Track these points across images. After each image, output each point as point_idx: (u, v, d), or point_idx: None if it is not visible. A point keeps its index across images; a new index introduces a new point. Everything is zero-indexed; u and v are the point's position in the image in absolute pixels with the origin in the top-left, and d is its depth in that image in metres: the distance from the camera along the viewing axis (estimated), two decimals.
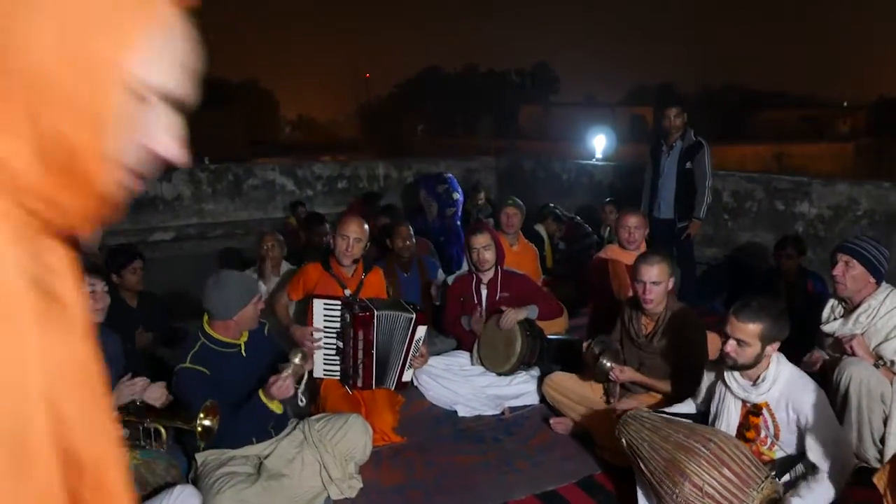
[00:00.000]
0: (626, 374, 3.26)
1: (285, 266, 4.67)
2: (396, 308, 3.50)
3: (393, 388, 3.60)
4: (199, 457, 2.87)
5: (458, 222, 7.17)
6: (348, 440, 3.00)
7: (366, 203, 7.87)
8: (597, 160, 8.39)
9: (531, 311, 3.89)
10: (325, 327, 3.51)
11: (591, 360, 3.44)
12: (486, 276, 4.08)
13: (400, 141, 40.24)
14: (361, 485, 2.98)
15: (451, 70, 58.37)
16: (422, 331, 3.54)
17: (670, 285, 3.29)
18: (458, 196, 7.45)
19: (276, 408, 2.76)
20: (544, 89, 52.42)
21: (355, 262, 3.65)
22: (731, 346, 2.49)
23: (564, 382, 3.62)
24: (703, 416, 2.93)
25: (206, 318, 2.84)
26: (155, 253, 7.91)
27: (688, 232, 5.08)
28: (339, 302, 3.48)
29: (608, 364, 3.28)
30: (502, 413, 3.73)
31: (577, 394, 3.53)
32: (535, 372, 3.96)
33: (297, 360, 2.82)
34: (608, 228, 6.34)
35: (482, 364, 3.99)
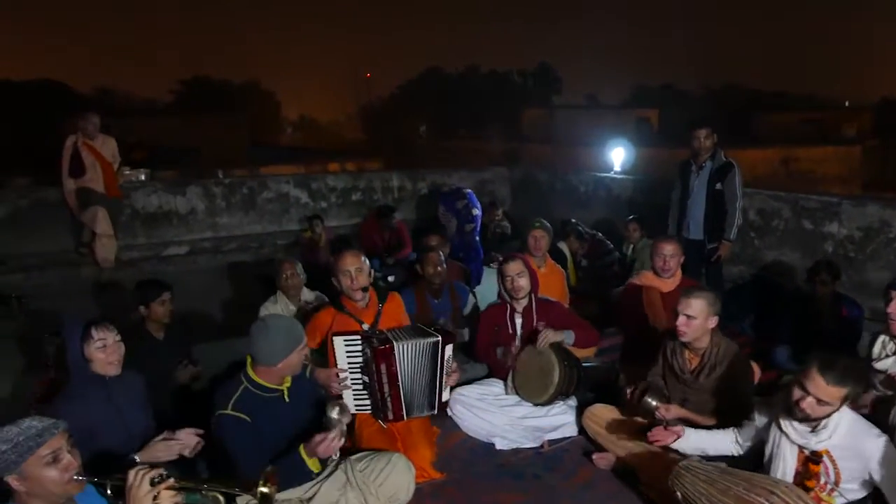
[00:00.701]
0: (673, 412, 3.19)
1: (306, 293, 4.60)
2: (418, 335, 3.43)
3: (434, 413, 3.54)
4: (240, 501, 2.81)
5: (478, 238, 7.11)
6: (392, 481, 2.94)
7: (379, 216, 7.80)
8: (615, 173, 8.32)
9: (567, 336, 3.82)
10: (350, 363, 3.45)
11: (635, 399, 3.38)
12: (521, 305, 4.01)
13: (402, 142, 40.10)
14: None
15: (452, 70, 58.14)
16: (450, 349, 3.48)
17: (712, 323, 3.22)
18: (478, 211, 7.38)
19: (315, 467, 2.69)
20: (547, 90, 52.26)
21: (365, 290, 3.56)
22: (808, 403, 2.39)
23: (606, 416, 3.56)
24: (752, 458, 2.88)
25: (249, 361, 2.78)
26: (169, 267, 7.86)
27: (718, 254, 5.03)
28: (358, 337, 3.42)
29: (654, 403, 3.21)
30: (541, 446, 3.67)
31: (617, 428, 3.47)
32: (573, 402, 3.89)
33: (335, 415, 2.77)
34: (631, 246, 6.28)
35: (517, 393, 3.93)
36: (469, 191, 7.15)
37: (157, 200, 8.01)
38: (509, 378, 3.98)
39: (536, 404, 3.85)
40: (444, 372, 3.48)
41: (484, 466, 3.51)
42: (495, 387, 4.02)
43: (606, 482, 3.31)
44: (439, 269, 4.41)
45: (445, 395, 3.57)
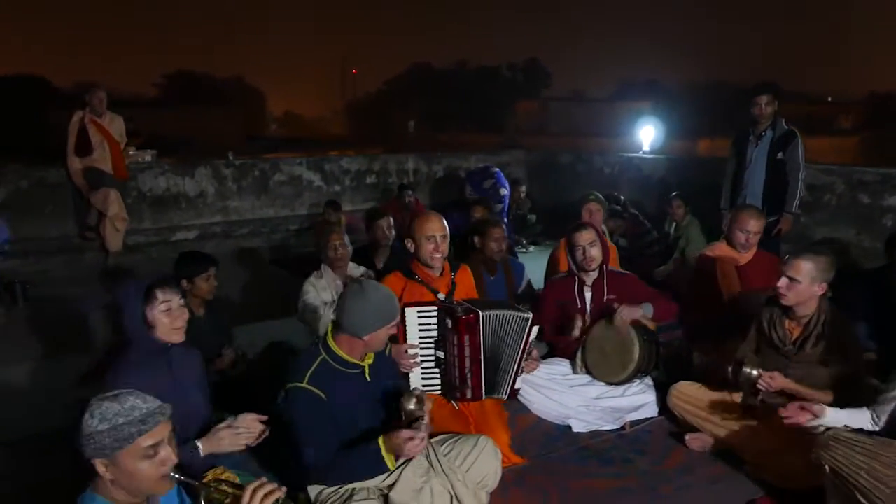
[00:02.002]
0: (778, 381, 2.89)
1: (352, 268, 4.26)
2: (504, 307, 3.13)
3: (505, 398, 3.24)
4: (312, 490, 2.49)
5: (506, 219, 6.83)
6: (480, 466, 2.63)
7: (400, 195, 7.48)
8: (644, 153, 8.05)
9: (646, 310, 3.54)
10: (421, 338, 3.13)
11: (732, 373, 3.10)
12: (590, 278, 3.72)
13: (390, 137, 39.81)
14: None
15: (441, 66, 57.93)
16: (536, 332, 3.18)
17: (820, 290, 2.93)
18: (506, 191, 7.11)
19: (391, 463, 2.35)
20: (536, 84, 52.21)
21: (444, 259, 3.25)
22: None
23: (695, 393, 3.28)
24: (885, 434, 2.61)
25: (330, 329, 2.46)
26: (177, 253, 7.46)
27: (779, 227, 4.76)
28: (434, 307, 3.10)
29: (754, 373, 2.92)
30: (622, 428, 3.38)
31: (712, 406, 3.19)
32: (649, 381, 3.61)
33: (411, 406, 2.44)
34: (674, 224, 6.02)
35: (589, 373, 3.63)
36: (497, 169, 6.87)
37: (165, 182, 7.61)
38: (578, 357, 3.68)
39: (612, 383, 3.56)
40: (525, 355, 3.18)
41: (564, 450, 3.21)
42: (562, 366, 3.73)
43: (706, 465, 3.03)
44: (502, 245, 4.10)
45: (518, 382, 3.25)
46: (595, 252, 3.63)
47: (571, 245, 3.70)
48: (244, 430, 2.34)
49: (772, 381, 2.90)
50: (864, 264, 5.09)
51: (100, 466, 1.54)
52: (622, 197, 6.49)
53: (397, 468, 2.55)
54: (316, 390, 2.34)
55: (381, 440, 2.33)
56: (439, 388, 3.18)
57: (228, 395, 3.07)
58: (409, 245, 3.17)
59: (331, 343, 2.44)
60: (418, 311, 3.07)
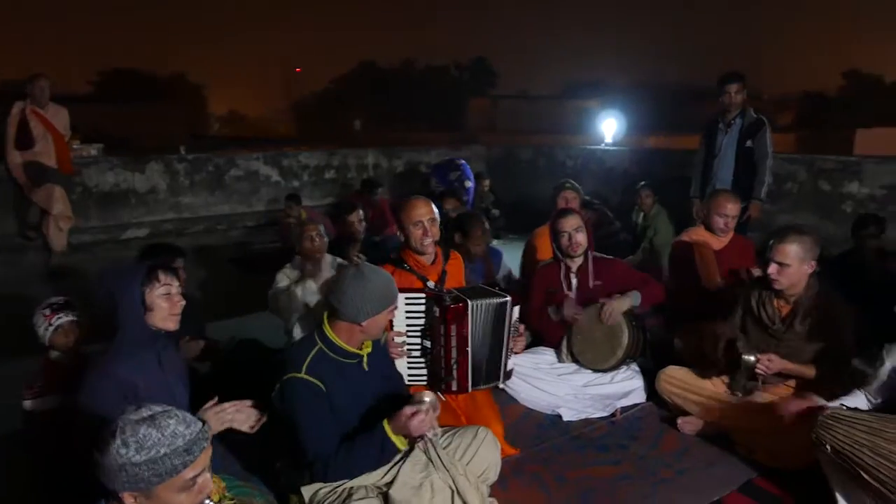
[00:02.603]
0: (776, 363, 2.91)
1: (327, 259, 4.09)
2: (486, 295, 3.02)
3: (501, 384, 3.15)
4: (306, 491, 2.34)
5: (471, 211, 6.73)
6: (481, 458, 2.53)
7: (363, 190, 7.30)
8: (606, 145, 8.10)
9: (634, 299, 3.50)
10: (408, 325, 3.01)
11: (721, 352, 3.09)
12: (576, 264, 3.67)
13: (335, 137, 39.42)
14: None
15: (387, 65, 57.72)
16: (517, 311, 3.10)
17: (809, 269, 2.96)
18: (471, 183, 7.04)
19: (402, 444, 2.25)
20: (483, 84, 52.45)
21: (435, 244, 3.13)
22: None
23: (684, 377, 3.26)
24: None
25: (326, 317, 2.31)
26: (127, 252, 7.10)
27: (748, 214, 4.82)
28: (422, 294, 2.98)
29: (752, 358, 2.92)
30: (613, 415, 3.33)
31: (701, 389, 3.18)
32: (635, 367, 3.58)
33: (427, 399, 2.35)
34: (642, 214, 6.06)
35: (576, 360, 3.58)
36: (462, 162, 6.78)
37: (114, 178, 7.23)
38: (563, 345, 3.63)
39: (599, 370, 3.52)
40: (510, 336, 3.09)
41: (558, 440, 3.14)
42: (547, 355, 3.67)
43: (700, 448, 3.01)
44: (487, 238, 4.02)
45: (511, 363, 3.16)
46: (581, 237, 3.58)
47: (556, 231, 3.64)
48: (233, 409, 2.19)
49: (770, 363, 2.91)
50: (826, 250, 5.21)
51: (128, 498, 1.36)
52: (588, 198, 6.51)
53: (395, 464, 2.43)
54: (315, 381, 2.21)
55: (385, 423, 2.21)
56: (425, 378, 3.06)
57: (201, 392, 2.89)
58: (399, 235, 3.05)
59: (328, 331, 2.29)
60: (406, 298, 2.93)
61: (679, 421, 3.15)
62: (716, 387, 3.19)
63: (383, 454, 2.24)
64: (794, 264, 2.90)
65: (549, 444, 3.09)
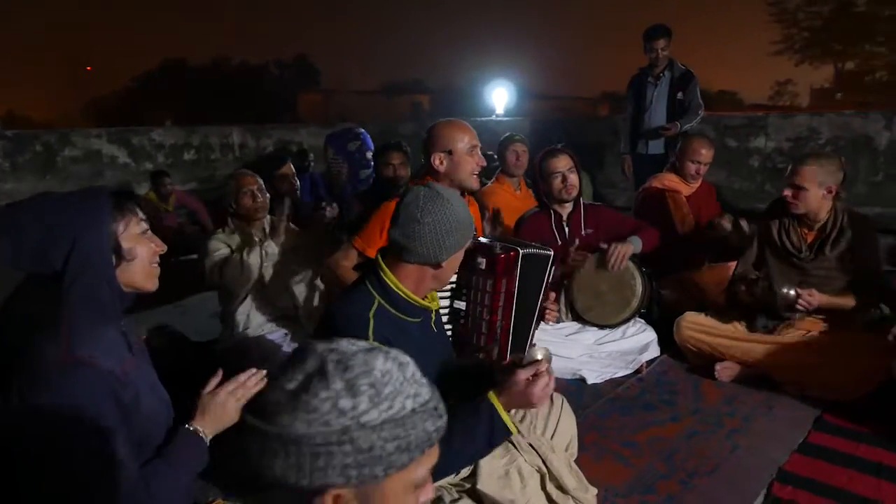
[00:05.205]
0: (817, 297, 2.70)
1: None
2: (526, 244, 2.49)
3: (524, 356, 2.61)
4: None
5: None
6: (563, 428, 2.05)
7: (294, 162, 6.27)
8: (498, 116, 7.82)
9: (636, 244, 3.15)
10: None
11: (744, 295, 2.86)
12: (566, 211, 3.26)
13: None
14: (596, 490, 2.02)
15: (197, 63, 54.20)
16: (554, 271, 2.61)
17: (831, 191, 2.80)
18: (371, 153, 6.33)
19: (512, 426, 1.58)
20: (306, 82, 51.10)
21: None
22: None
23: (707, 322, 3.00)
24: None
25: (381, 262, 1.64)
26: None
27: (668, 127, 4.63)
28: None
29: (791, 292, 2.69)
30: (638, 371, 2.97)
31: (730, 332, 2.93)
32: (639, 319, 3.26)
33: (539, 356, 1.73)
34: None
35: (578, 318, 3.17)
36: (362, 130, 6.05)
37: None
38: (562, 302, 3.20)
39: (608, 326, 3.14)
40: (546, 298, 2.58)
41: (595, 406, 2.71)
42: None
43: (748, 393, 2.74)
44: None
45: (536, 334, 2.66)
46: (574, 178, 3.18)
47: (546, 174, 3.19)
48: (252, 383, 1.55)
49: (811, 298, 2.70)
50: (736, 204, 5.35)
51: (328, 501, 0.70)
52: (494, 154, 6.14)
53: None
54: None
55: (492, 396, 1.58)
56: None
57: None
58: (439, 163, 2.39)
59: (389, 279, 1.62)
60: None
61: (718, 367, 2.86)
62: (737, 329, 2.95)
63: (493, 437, 1.60)
64: (811, 188, 2.74)
65: (590, 412, 2.64)
